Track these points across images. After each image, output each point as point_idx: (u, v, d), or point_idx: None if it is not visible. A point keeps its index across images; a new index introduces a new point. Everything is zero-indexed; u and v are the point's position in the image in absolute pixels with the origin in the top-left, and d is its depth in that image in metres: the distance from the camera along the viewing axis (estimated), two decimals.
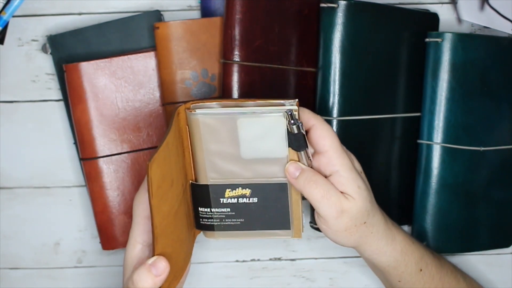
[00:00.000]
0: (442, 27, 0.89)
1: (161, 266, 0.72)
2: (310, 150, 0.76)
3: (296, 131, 0.73)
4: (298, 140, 0.74)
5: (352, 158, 0.78)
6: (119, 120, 0.86)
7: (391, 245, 0.80)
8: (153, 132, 0.87)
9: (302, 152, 0.75)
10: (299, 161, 0.76)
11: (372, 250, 0.80)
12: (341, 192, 0.75)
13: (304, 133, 0.73)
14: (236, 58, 0.83)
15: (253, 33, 0.83)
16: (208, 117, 0.74)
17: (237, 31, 0.82)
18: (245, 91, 0.83)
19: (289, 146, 0.75)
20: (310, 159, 0.76)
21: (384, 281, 0.85)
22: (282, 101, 0.73)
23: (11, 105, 0.89)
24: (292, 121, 0.72)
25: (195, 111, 0.74)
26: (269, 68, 0.84)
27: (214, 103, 0.75)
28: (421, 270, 0.82)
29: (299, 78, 0.86)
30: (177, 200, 0.75)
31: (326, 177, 0.76)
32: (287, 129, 0.73)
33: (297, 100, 0.73)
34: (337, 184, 0.75)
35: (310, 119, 0.75)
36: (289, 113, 0.72)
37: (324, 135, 0.75)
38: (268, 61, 0.84)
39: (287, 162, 0.76)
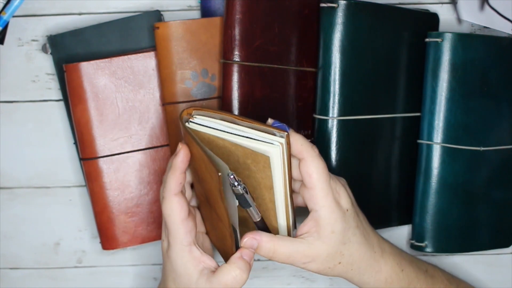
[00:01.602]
0: (442, 27, 0.89)
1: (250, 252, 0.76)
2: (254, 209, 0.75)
3: (240, 192, 0.72)
4: (242, 200, 0.74)
5: (340, 194, 0.77)
6: (119, 120, 0.86)
7: (375, 277, 0.80)
8: (153, 132, 0.87)
9: (249, 209, 0.75)
10: (249, 215, 0.76)
11: (355, 282, 0.81)
12: (307, 234, 0.76)
13: (246, 193, 0.73)
14: (236, 58, 0.83)
15: (253, 33, 0.83)
16: (201, 129, 0.74)
17: (237, 31, 0.82)
18: (245, 91, 0.83)
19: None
20: (258, 214, 0.76)
21: None
22: (274, 131, 0.73)
23: (11, 105, 0.89)
24: (236, 183, 0.71)
25: (194, 118, 0.74)
26: (269, 68, 0.84)
27: (215, 113, 0.75)
28: None
29: (299, 78, 0.86)
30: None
31: (311, 210, 0.76)
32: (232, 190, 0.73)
33: (287, 133, 0.72)
34: (312, 222, 0.76)
35: (301, 152, 0.75)
36: (231, 175, 0.71)
37: (310, 172, 0.75)
38: (268, 61, 0.84)
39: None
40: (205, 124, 0.74)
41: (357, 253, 0.78)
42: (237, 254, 0.75)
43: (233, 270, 0.75)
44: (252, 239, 0.76)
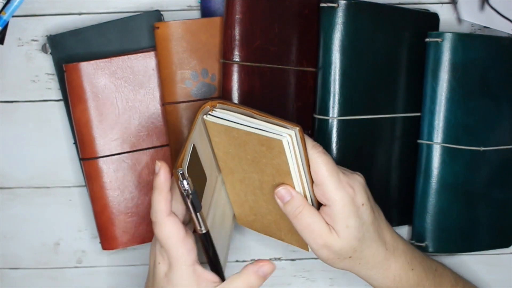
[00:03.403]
0: (442, 27, 0.89)
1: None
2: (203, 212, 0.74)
3: (185, 189, 0.70)
4: (193, 200, 0.71)
5: (355, 189, 0.76)
6: (119, 120, 0.86)
7: (383, 274, 0.79)
8: (153, 132, 0.87)
9: (198, 214, 0.73)
10: (196, 225, 0.73)
11: (361, 276, 0.80)
12: (329, 225, 0.75)
13: (192, 192, 0.71)
14: (236, 58, 0.83)
15: (253, 33, 0.83)
16: (218, 121, 0.75)
17: (237, 31, 0.82)
18: (245, 91, 0.83)
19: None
20: (205, 225, 0.73)
21: None
22: (287, 125, 0.73)
23: (11, 105, 0.89)
24: (184, 180, 0.70)
25: (214, 111, 0.76)
26: (269, 68, 0.84)
27: (237, 108, 0.75)
28: None
29: (299, 78, 0.86)
30: None
31: (323, 206, 0.76)
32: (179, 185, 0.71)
33: (299, 128, 0.72)
34: (327, 217, 0.75)
35: (308, 150, 0.74)
36: (180, 172, 0.70)
37: (317, 169, 0.74)
38: (268, 61, 0.84)
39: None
40: (222, 117, 0.75)
41: (368, 250, 0.77)
42: (253, 267, 0.75)
43: (244, 280, 0.74)
44: (287, 191, 0.75)
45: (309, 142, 0.75)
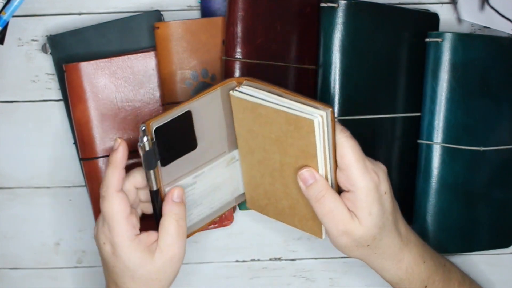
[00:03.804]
0: (442, 27, 0.89)
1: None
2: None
3: (147, 148, 0.71)
4: (148, 157, 0.72)
5: (380, 176, 0.75)
6: (119, 120, 0.86)
7: (396, 265, 0.79)
8: None
9: (151, 171, 0.73)
10: (148, 181, 0.74)
11: (374, 266, 0.80)
12: (351, 211, 0.75)
13: (154, 150, 0.72)
14: (238, 55, 0.83)
15: (255, 31, 0.83)
16: (246, 97, 0.75)
17: (239, 29, 0.82)
18: None
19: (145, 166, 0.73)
20: (157, 183, 0.74)
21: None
22: (318, 105, 0.72)
23: (11, 105, 0.89)
24: (145, 137, 0.71)
25: (242, 87, 0.76)
26: (270, 65, 0.84)
27: (265, 86, 0.75)
28: (425, 287, 0.81)
29: (300, 76, 0.86)
30: None
31: (345, 191, 0.75)
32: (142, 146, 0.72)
33: (331, 109, 0.72)
34: (349, 203, 0.75)
35: (336, 134, 0.73)
36: (143, 128, 0.70)
37: (344, 152, 0.73)
38: (270, 59, 0.84)
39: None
40: (250, 94, 0.75)
41: (386, 239, 0.77)
42: (167, 200, 0.75)
43: (169, 220, 0.74)
44: (311, 174, 0.74)
45: (338, 125, 0.74)
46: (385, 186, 0.76)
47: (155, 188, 0.75)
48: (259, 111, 0.75)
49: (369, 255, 0.78)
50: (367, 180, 0.74)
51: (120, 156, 0.73)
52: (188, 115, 0.74)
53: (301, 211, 0.79)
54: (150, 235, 0.75)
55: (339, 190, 0.76)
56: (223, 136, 0.80)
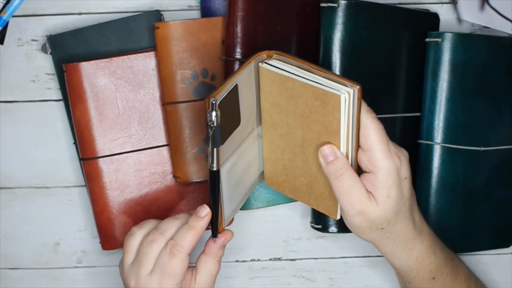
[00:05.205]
0: (442, 27, 0.89)
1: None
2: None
3: (215, 124, 0.69)
4: (216, 134, 0.70)
5: (402, 161, 0.75)
6: (119, 120, 0.86)
7: (407, 253, 0.79)
8: (153, 132, 0.87)
9: (214, 150, 0.71)
10: (210, 160, 0.73)
11: (385, 251, 0.80)
12: (369, 192, 0.75)
13: (217, 126, 0.70)
14: (238, 55, 0.83)
15: (255, 31, 0.83)
16: (275, 70, 0.75)
17: (239, 29, 0.82)
18: None
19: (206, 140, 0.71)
20: (219, 160, 0.73)
21: (397, 276, 0.85)
22: (346, 82, 0.72)
23: (11, 105, 0.89)
24: (213, 112, 0.69)
25: (271, 60, 0.75)
26: None
27: (294, 61, 0.75)
28: (434, 278, 0.81)
29: None
30: None
31: (365, 172, 0.75)
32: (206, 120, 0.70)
33: (359, 87, 0.71)
34: (368, 184, 0.74)
35: (362, 114, 0.73)
36: (213, 101, 0.69)
37: (368, 133, 0.73)
38: None
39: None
40: (280, 67, 0.75)
41: (400, 225, 0.77)
42: (214, 246, 0.79)
43: (213, 262, 0.80)
44: (332, 151, 0.74)
45: (364, 106, 0.74)
46: (406, 171, 0.75)
47: (215, 168, 0.73)
48: (286, 84, 0.74)
49: (381, 239, 0.77)
50: (389, 162, 0.73)
51: (205, 225, 0.77)
52: (235, 90, 0.73)
53: (318, 189, 0.79)
54: (187, 273, 0.80)
55: (359, 172, 0.76)
56: (254, 111, 0.79)
